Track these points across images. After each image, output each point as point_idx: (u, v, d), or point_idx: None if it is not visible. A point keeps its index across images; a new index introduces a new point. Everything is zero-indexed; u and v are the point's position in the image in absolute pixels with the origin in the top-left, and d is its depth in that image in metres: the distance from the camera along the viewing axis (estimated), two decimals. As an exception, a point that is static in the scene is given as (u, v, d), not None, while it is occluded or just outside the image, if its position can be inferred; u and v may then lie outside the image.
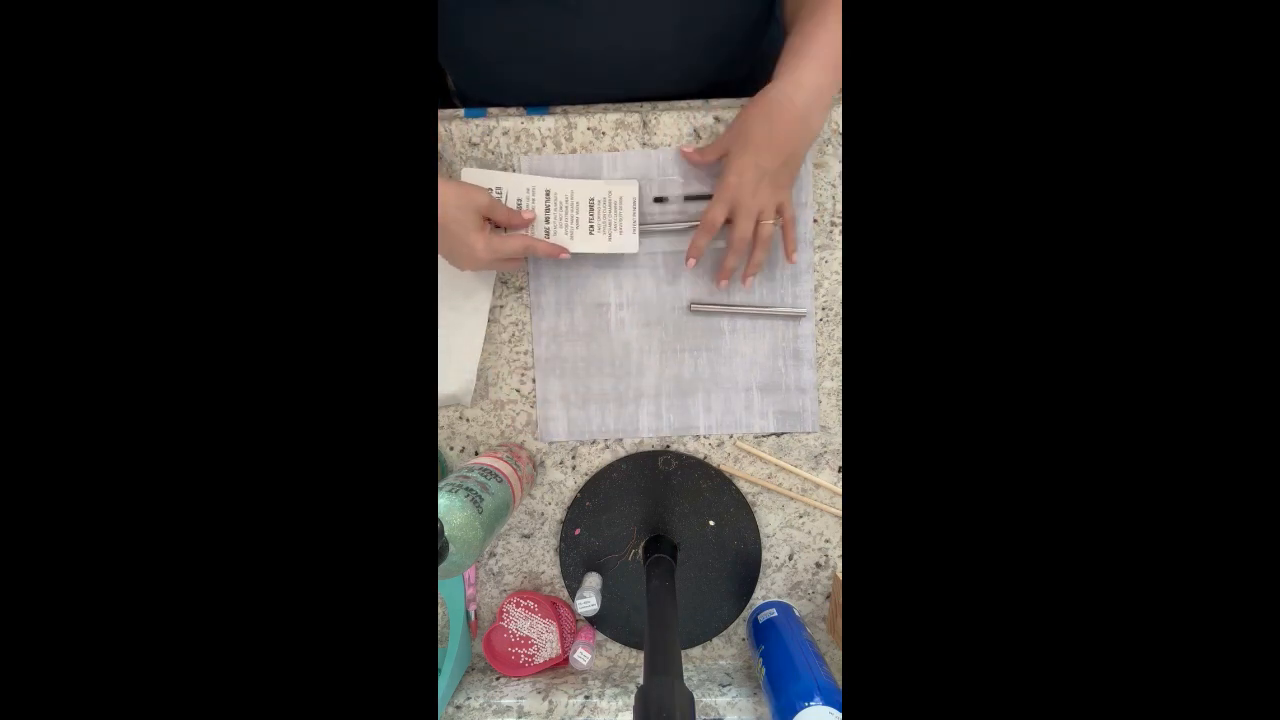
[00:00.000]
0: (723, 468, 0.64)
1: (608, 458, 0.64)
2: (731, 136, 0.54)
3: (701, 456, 0.64)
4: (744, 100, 0.60)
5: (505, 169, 0.61)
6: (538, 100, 0.60)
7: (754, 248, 0.56)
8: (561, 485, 0.64)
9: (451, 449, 0.64)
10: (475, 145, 0.61)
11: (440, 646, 0.64)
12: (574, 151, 0.60)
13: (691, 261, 0.57)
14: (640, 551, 0.63)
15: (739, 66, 0.63)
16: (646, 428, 0.63)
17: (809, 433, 0.63)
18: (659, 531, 0.64)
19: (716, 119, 0.60)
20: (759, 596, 0.65)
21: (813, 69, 0.51)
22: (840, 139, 0.60)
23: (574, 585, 0.65)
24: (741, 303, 0.62)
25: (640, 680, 0.58)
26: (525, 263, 0.61)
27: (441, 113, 0.61)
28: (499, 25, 0.56)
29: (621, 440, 0.64)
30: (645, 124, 0.60)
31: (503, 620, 0.64)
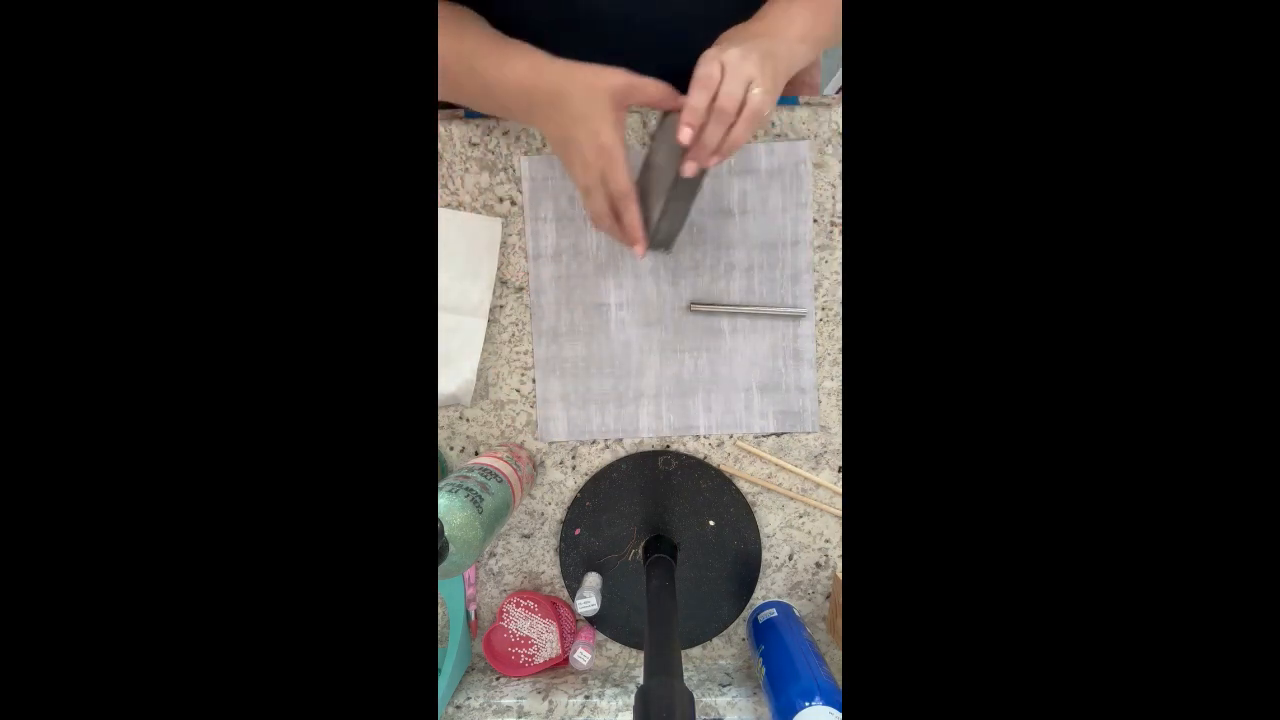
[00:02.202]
0: (723, 468, 0.64)
1: (608, 458, 0.64)
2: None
3: (701, 456, 0.64)
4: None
5: (505, 169, 0.61)
6: None
7: (738, 118, 0.46)
8: (561, 485, 0.64)
9: (451, 449, 0.64)
10: (475, 145, 0.61)
11: (440, 646, 0.64)
12: (574, 151, 0.60)
13: (686, 132, 0.46)
14: (640, 551, 0.63)
15: None
16: (646, 428, 0.63)
17: (809, 433, 0.63)
18: (659, 531, 0.64)
19: (716, 119, 0.60)
20: (759, 596, 0.65)
21: (791, 8, 0.50)
22: (840, 139, 0.60)
23: (574, 585, 0.65)
24: (741, 302, 0.62)
25: (640, 680, 0.58)
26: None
27: (441, 113, 0.61)
28: None
29: (621, 440, 0.64)
30: (645, 124, 0.60)
31: (503, 620, 0.64)
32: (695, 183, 0.49)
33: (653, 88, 0.48)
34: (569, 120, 0.48)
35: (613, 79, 0.47)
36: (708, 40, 0.54)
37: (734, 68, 0.46)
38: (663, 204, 0.49)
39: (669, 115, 0.49)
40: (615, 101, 0.47)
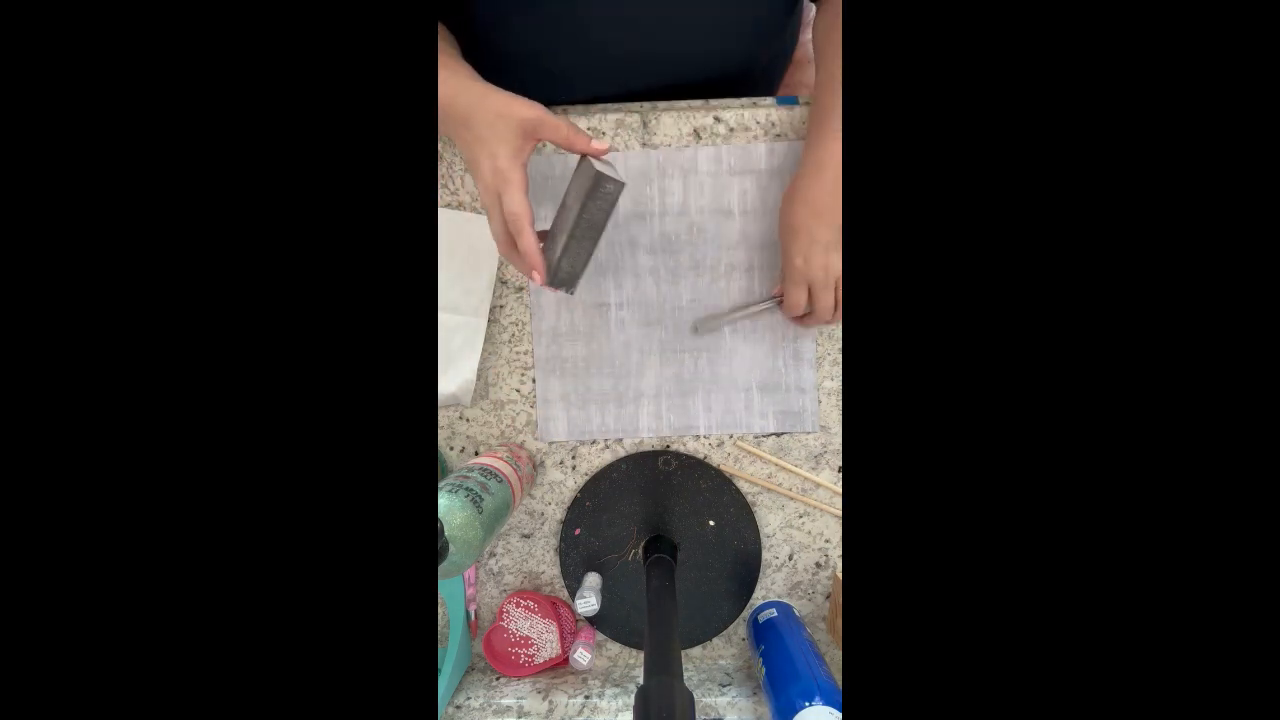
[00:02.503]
0: (723, 468, 0.64)
1: (608, 458, 0.64)
2: (782, 238, 0.57)
3: (701, 456, 0.64)
4: (744, 100, 0.60)
5: None
6: (547, 79, 0.60)
7: (838, 311, 0.56)
8: (561, 485, 0.64)
9: (451, 449, 0.64)
10: (475, 145, 0.61)
11: (440, 646, 0.64)
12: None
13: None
14: (640, 551, 0.63)
15: (762, 52, 0.63)
16: (646, 428, 0.63)
17: (809, 433, 0.63)
18: (659, 531, 0.64)
19: (716, 119, 0.60)
20: (759, 596, 0.65)
21: (835, 146, 0.52)
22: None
23: (574, 585, 0.65)
24: (742, 302, 0.62)
25: (640, 680, 0.58)
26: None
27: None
28: None
29: (621, 440, 0.64)
30: (645, 124, 0.60)
31: (503, 620, 0.64)
32: (598, 226, 0.50)
33: (565, 129, 0.49)
34: (473, 141, 0.49)
35: (523, 110, 0.48)
36: (707, 62, 0.56)
37: (819, 282, 0.55)
38: (564, 241, 0.50)
39: (585, 158, 0.49)
40: (522, 130, 0.48)
